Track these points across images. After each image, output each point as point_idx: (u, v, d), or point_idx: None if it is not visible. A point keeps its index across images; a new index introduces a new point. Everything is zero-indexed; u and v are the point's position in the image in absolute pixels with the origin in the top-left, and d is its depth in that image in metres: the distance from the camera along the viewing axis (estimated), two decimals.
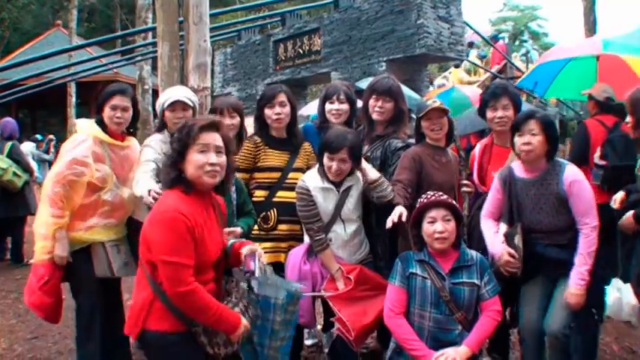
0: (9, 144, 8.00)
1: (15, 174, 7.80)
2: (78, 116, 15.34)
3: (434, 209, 3.28)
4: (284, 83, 8.89)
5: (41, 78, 13.96)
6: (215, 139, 2.70)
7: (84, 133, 3.87)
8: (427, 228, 3.29)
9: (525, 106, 4.45)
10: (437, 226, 3.25)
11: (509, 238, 3.42)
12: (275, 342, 2.91)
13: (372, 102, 4.06)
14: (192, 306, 2.54)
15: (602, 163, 4.56)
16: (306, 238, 3.81)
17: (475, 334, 3.23)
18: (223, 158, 2.72)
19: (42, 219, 3.72)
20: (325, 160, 3.60)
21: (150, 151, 3.79)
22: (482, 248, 3.64)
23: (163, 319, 2.60)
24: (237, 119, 4.02)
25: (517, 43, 35.66)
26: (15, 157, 7.92)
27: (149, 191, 3.23)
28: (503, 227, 3.51)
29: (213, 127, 2.73)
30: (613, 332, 4.96)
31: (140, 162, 3.77)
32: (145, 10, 14.40)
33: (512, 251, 3.33)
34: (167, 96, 4.01)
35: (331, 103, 4.20)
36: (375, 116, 4.06)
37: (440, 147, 3.90)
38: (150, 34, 14.41)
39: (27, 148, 9.24)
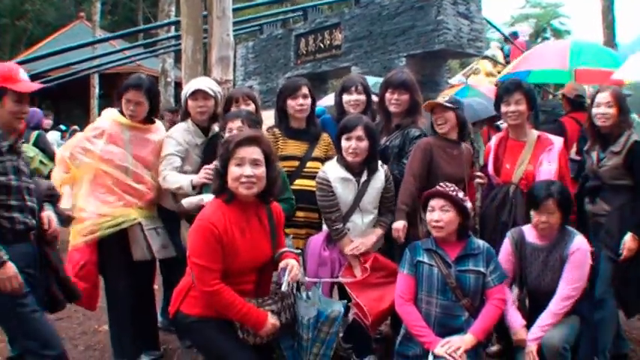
0: (35, 133, 8.18)
1: (41, 162, 7.95)
2: (100, 108, 15.57)
3: (434, 199, 3.43)
4: (304, 77, 9.01)
5: (65, 70, 14.18)
6: (252, 152, 2.92)
7: (103, 117, 4.11)
8: (427, 216, 3.46)
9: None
10: (434, 215, 3.40)
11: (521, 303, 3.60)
12: (306, 355, 3.10)
13: (388, 95, 4.25)
14: (217, 304, 2.86)
15: (578, 158, 4.75)
16: (324, 226, 3.95)
17: (480, 322, 3.34)
18: (261, 170, 2.94)
19: (55, 176, 4.04)
20: (343, 142, 3.76)
21: (171, 144, 4.04)
22: (494, 239, 3.78)
23: (195, 306, 2.96)
24: (252, 106, 4.23)
25: (539, 40, 35.38)
26: (41, 145, 8.08)
27: (191, 181, 3.76)
28: (515, 290, 3.63)
29: (252, 141, 2.95)
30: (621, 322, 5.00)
31: (163, 155, 4.02)
32: (168, 3, 14.61)
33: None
34: (190, 86, 4.23)
35: (349, 94, 4.35)
36: (392, 108, 4.24)
37: (451, 140, 4.03)
38: (173, 27, 14.61)
39: (53, 137, 9.44)
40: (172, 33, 14.72)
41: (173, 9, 14.73)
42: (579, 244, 3.51)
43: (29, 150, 7.87)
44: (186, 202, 3.70)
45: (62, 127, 14.95)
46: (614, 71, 5.66)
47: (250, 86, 15.39)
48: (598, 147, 4.07)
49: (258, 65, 16.21)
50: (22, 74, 3.12)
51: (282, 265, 3.06)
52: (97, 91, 16.27)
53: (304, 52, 14.82)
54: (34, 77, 11.34)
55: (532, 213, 3.56)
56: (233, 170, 2.90)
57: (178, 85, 16.21)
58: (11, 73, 3.08)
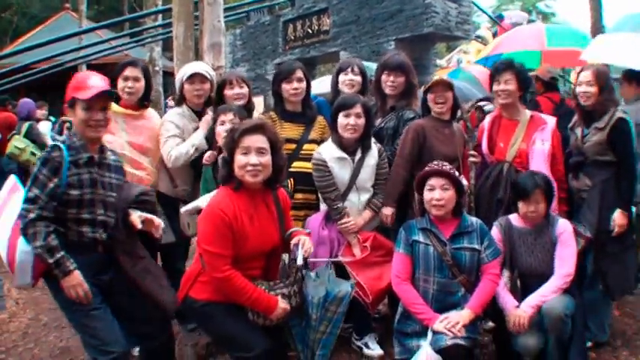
0: (26, 124, 8.27)
1: (32, 153, 8.02)
2: None
3: (434, 178, 3.48)
4: None
5: (52, 61, 14.10)
6: (256, 140, 3.00)
7: None
8: (426, 195, 3.50)
9: None
10: (435, 194, 3.45)
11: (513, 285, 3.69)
12: (313, 333, 3.20)
13: (384, 77, 4.33)
14: (228, 289, 2.96)
15: None
16: (322, 206, 4.03)
17: (476, 297, 3.42)
18: (266, 158, 3.01)
19: None
20: (341, 119, 3.84)
21: (172, 126, 4.12)
22: (489, 217, 3.87)
23: (204, 291, 3.07)
24: (246, 89, 4.34)
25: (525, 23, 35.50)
26: (32, 137, 8.19)
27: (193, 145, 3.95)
28: (506, 273, 3.70)
29: (257, 129, 3.02)
30: (620, 302, 5.08)
31: (166, 137, 4.08)
32: None
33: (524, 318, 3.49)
34: (186, 70, 4.31)
35: (345, 74, 4.45)
36: (387, 90, 4.33)
37: (444, 120, 4.11)
38: (160, 15, 14.54)
39: (44, 128, 9.45)
40: (159, 22, 14.66)
41: None
42: (564, 225, 3.66)
43: (19, 142, 7.95)
44: (184, 210, 3.80)
45: (52, 118, 14.91)
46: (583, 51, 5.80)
47: None
48: (582, 124, 4.19)
49: (246, 52, 16.35)
50: (93, 81, 3.11)
51: (294, 241, 3.14)
52: None
53: (292, 37, 14.95)
54: (20, 69, 11.30)
55: (520, 204, 3.66)
56: (239, 159, 2.97)
57: (166, 74, 16.25)
58: (81, 83, 3.10)
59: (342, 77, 4.47)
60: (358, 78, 4.44)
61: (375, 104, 4.47)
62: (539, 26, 7.56)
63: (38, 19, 26.66)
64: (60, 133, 9.92)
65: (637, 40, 5.38)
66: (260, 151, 2.99)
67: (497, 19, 16.11)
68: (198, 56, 6.65)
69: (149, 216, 3.25)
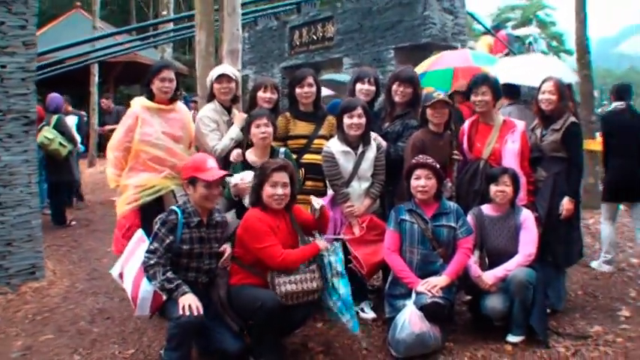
0: (55, 117, 8.88)
1: (60, 144, 8.68)
2: (99, 94, 16.19)
3: (419, 169, 4.28)
4: (298, 67, 9.60)
5: (65, 61, 14.62)
6: (282, 177, 3.91)
7: (133, 105, 4.84)
8: (413, 182, 4.30)
9: None
10: (420, 182, 4.26)
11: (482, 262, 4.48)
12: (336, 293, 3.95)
13: (395, 87, 5.02)
14: (291, 265, 3.81)
15: None
16: (329, 192, 4.78)
17: (452, 266, 4.23)
18: (288, 190, 3.95)
19: (110, 177, 4.81)
20: (345, 119, 4.57)
21: (209, 121, 4.88)
22: (467, 204, 4.67)
23: (233, 277, 4.01)
24: (276, 95, 5.03)
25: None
26: (61, 128, 8.82)
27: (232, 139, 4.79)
28: (477, 253, 4.47)
29: (283, 168, 3.92)
30: (579, 281, 5.90)
31: (207, 132, 4.85)
32: None
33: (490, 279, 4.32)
34: (215, 71, 5.06)
35: (362, 83, 5.11)
36: (397, 99, 5.03)
37: (438, 133, 4.76)
38: (172, 16, 15.22)
39: (71, 121, 10.11)
40: (171, 27, 15.33)
41: (172, 0, 15.41)
42: (527, 214, 4.50)
43: (49, 132, 8.55)
44: (230, 181, 4.42)
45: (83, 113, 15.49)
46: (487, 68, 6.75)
47: (246, 75, 16.01)
48: (542, 126, 4.98)
49: (254, 55, 16.78)
50: (210, 163, 3.96)
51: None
52: (96, 79, 16.81)
53: (298, 43, 15.37)
54: (42, 67, 11.95)
55: (491, 186, 4.46)
56: (268, 189, 3.89)
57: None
58: (201, 165, 3.94)
59: (359, 86, 5.11)
60: (372, 88, 5.10)
61: (383, 109, 5.17)
62: (464, 50, 9.06)
63: (48, 15, 27.07)
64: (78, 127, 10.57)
65: (529, 61, 6.91)
66: (284, 185, 3.90)
67: (492, 30, 16.79)
68: (217, 60, 7.34)
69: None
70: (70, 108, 10.49)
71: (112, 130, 11.06)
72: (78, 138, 9.78)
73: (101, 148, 14.55)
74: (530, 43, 16.43)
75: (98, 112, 15.57)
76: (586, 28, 10.41)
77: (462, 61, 7.90)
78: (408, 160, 4.54)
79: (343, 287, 3.90)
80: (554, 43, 41.68)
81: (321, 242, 3.96)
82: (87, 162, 15.67)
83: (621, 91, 6.49)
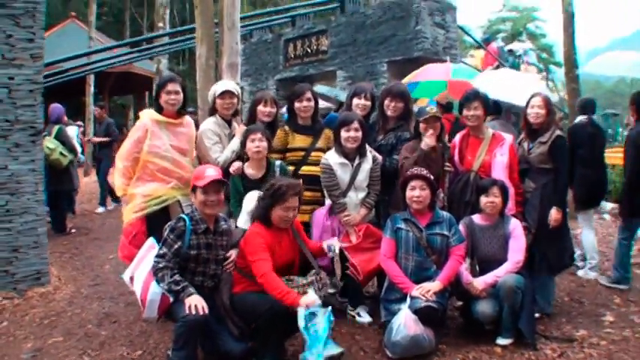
0: (57, 127, 9.05)
1: (61, 154, 8.84)
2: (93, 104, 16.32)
3: (414, 180, 4.49)
4: (293, 80, 9.79)
5: (57, 67, 14.75)
6: (295, 202, 4.16)
7: (143, 118, 4.96)
8: (408, 193, 4.51)
9: None
10: (415, 192, 4.47)
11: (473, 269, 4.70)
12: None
13: (387, 102, 5.21)
14: (265, 287, 3.89)
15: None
16: (327, 202, 4.98)
17: (445, 272, 4.44)
18: (297, 211, 4.24)
19: (118, 185, 4.95)
20: (342, 133, 4.76)
21: (212, 134, 5.07)
22: (458, 214, 4.87)
23: (236, 286, 4.21)
24: (275, 109, 5.22)
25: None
26: (62, 138, 8.98)
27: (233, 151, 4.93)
28: (468, 260, 4.69)
29: (297, 193, 4.16)
30: (567, 288, 6.11)
31: (210, 145, 5.03)
32: (164, 6, 15.42)
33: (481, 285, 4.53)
34: (217, 87, 5.24)
35: (359, 98, 5.29)
36: (389, 113, 5.21)
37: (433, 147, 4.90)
38: (168, 28, 15.37)
39: (72, 131, 10.29)
40: (167, 39, 15.51)
41: (168, 12, 15.58)
42: (515, 223, 4.72)
43: (50, 142, 8.70)
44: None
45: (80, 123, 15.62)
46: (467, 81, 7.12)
47: (241, 87, 16.15)
48: (529, 139, 5.23)
49: (249, 67, 16.96)
50: (208, 172, 4.17)
51: (324, 244, 4.47)
52: (92, 89, 16.99)
53: (292, 55, 15.58)
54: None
55: (481, 198, 4.69)
56: (280, 212, 4.10)
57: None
58: (200, 174, 4.18)
59: (355, 100, 5.28)
60: (368, 103, 5.28)
61: (376, 122, 5.35)
62: (447, 64, 9.18)
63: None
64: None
65: (508, 76, 7.22)
66: (295, 209, 4.17)
67: (483, 43, 17.12)
68: (217, 73, 7.51)
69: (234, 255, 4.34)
70: (65, 119, 10.63)
71: (101, 143, 11.42)
72: (78, 148, 9.95)
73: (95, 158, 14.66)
74: (520, 56, 16.75)
75: (93, 122, 15.70)
76: (574, 42, 10.72)
77: (443, 75, 8.40)
78: (405, 173, 4.72)
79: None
80: (545, 55, 42.04)
81: (302, 300, 3.82)
82: (82, 171, 15.76)
83: (585, 106, 6.83)
